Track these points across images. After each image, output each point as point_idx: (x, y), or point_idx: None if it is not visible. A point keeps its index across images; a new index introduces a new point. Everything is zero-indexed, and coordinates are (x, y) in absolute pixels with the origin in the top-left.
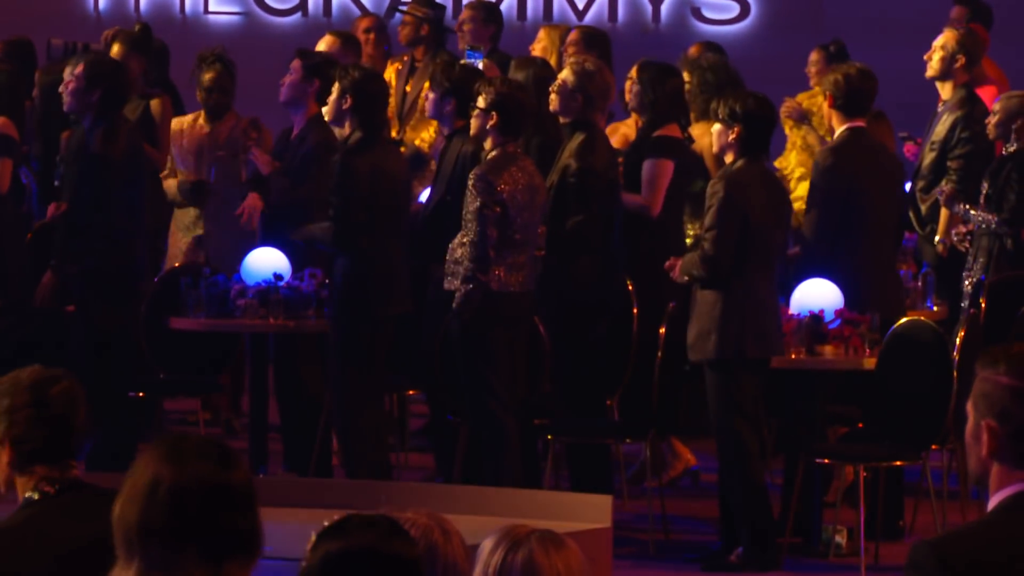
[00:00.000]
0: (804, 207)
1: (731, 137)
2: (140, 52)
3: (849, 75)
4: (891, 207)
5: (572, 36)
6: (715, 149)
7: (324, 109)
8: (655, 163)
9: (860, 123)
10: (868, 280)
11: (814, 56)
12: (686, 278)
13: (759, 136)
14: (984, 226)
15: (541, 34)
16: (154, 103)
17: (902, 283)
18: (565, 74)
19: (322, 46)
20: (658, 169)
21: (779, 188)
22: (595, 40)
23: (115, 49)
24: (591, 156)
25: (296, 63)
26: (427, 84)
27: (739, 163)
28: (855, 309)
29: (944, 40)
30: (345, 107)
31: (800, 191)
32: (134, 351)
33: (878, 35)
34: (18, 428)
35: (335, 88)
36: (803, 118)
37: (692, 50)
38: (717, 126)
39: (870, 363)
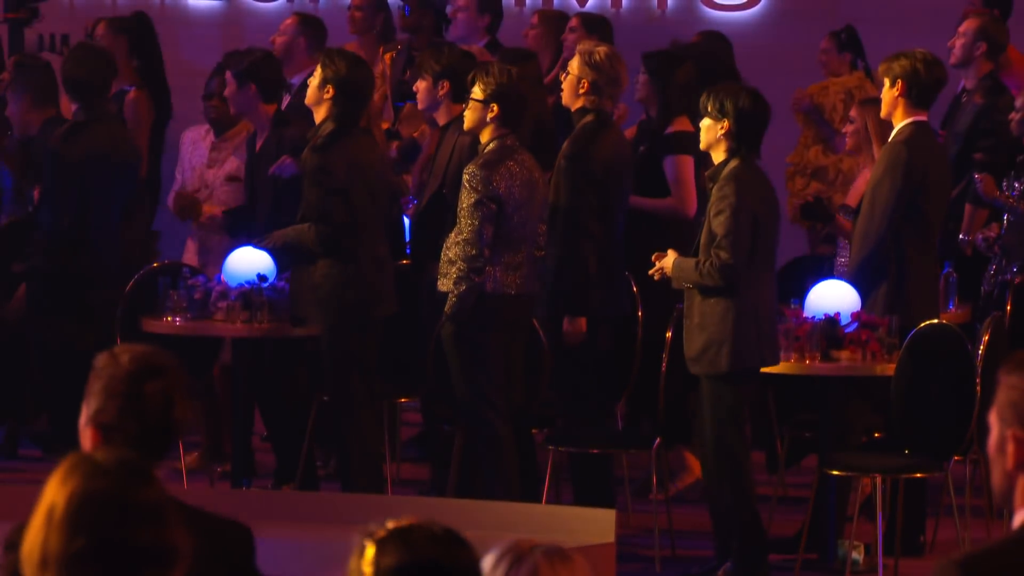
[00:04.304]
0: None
1: (720, 132)
2: (127, 39)
3: (926, 62)
4: (946, 206)
5: (572, 23)
6: (703, 145)
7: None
8: (676, 161)
9: (924, 116)
10: (928, 284)
11: (825, 44)
12: (688, 286)
13: (752, 135)
14: (1015, 218)
15: (535, 20)
16: (129, 98)
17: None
18: (573, 62)
19: (282, 27)
20: (682, 166)
21: (771, 186)
22: (595, 26)
23: (101, 35)
24: (590, 143)
25: (227, 73)
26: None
27: (735, 162)
28: (909, 314)
29: (966, 26)
30: (327, 97)
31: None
32: (84, 357)
33: (895, 21)
34: (108, 416)
35: (317, 74)
36: (813, 111)
37: (693, 39)
38: (706, 121)
39: (889, 369)
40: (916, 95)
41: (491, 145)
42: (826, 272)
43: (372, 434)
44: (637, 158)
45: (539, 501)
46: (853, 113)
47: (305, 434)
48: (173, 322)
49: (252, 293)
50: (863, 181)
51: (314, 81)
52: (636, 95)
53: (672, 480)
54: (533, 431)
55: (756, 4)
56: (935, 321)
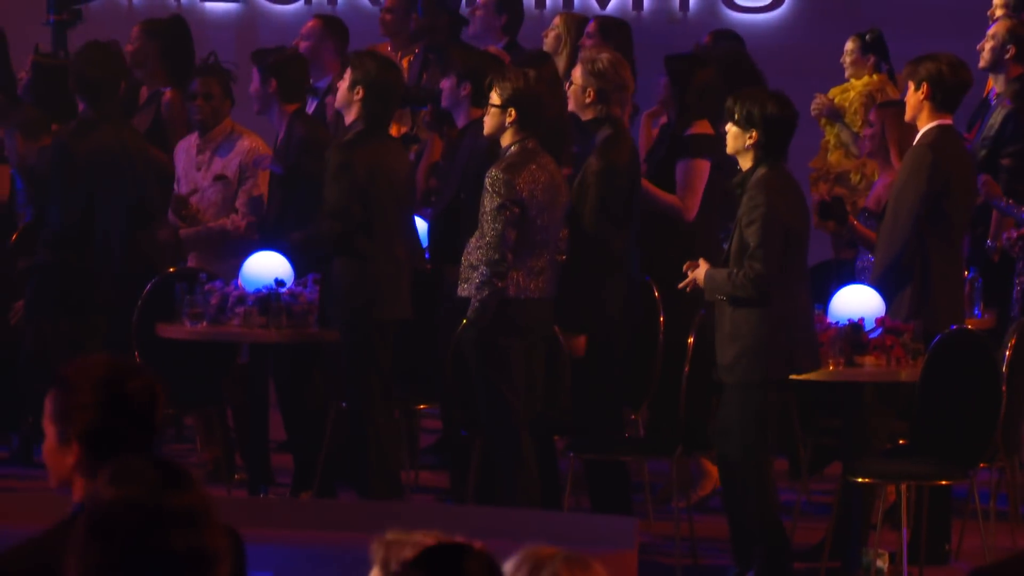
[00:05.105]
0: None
1: (748, 142)
2: (160, 42)
3: (952, 65)
4: (972, 210)
5: (590, 27)
6: (729, 150)
7: (338, 96)
8: (690, 164)
9: (949, 120)
10: (953, 289)
11: (849, 46)
12: (721, 297)
13: (780, 141)
14: None
15: (556, 21)
16: (165, 99)
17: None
18: (577, 71)
19: (305, 30)
20: (694, 170)
21: (802, 192)
22: (613, 30)
23: (135, 37)
24: (613, 154)
25: (254, 69)
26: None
27: (763, 169)
28: (934, 319)
29: (995, 29)
30: (356, 98)
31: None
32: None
33: (919, 23)
34: (89, 424)
35: (347, 76)
36: (834, 115)
37: (706, 40)
38: (733, 128)
39: (913, 375)
40: (941, 98)
41: (512, 149)
42: (848, 276)
43: (388, 438)
44: (656, 161)
45: (560, 508)
46: (872, 117)
47: (323, 441)
48: (190, 327)
49: (270, 298)
50: (883, 185)
51: (344, 83)
52: (659, 99)
53: (693, 488)
54: (555, 438)
55: (779, 6)
56: (960, 327)
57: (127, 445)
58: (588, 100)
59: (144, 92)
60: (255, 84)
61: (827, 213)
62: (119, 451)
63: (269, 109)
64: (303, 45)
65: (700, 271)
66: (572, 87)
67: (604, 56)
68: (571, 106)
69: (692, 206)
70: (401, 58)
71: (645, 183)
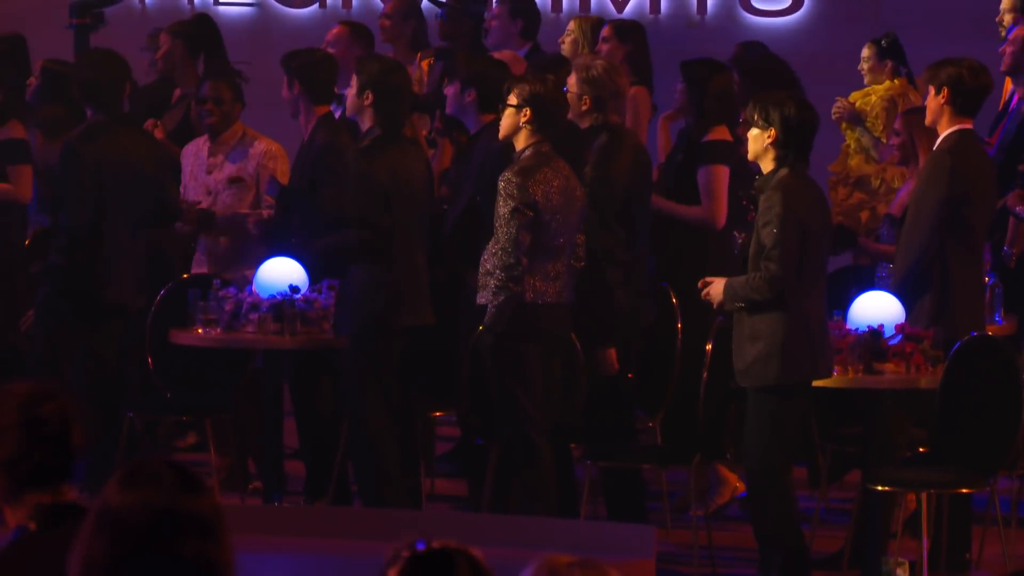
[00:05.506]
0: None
1: (767, 141)
2: (188, 43)
3: (972, 69)
4: (992, 215)
5: (605, 31)
6: (751, 156)
7: (348, 103)
8: (710, 170)
9: (969, 124)
10: (973, 295)
11: (866, 52)
12: (739, 305)
13: (799, 143)
14: None
15: (571, 26)
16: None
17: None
18: (571, 79)
19: (331, 37)
20: (715, 177)
21: (823, 196)
22: (628, 33)
23: (161, 40)
24: (608, 162)
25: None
26: None
27: (783, 171)
28: (954, 326)
29: (1017, 32)
30: (367, 103)
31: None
32: (96, 364)
33: (939, 27)
34: (8, 450)
35: (353, 82)
36: (855, 119)
37: (735, 51)
38: (753, 130)
39: (933, 382)
40: (961, 103)
41: (527, 152)
42: (867, 283)
43: (394, 449)
44: (674, 167)
45: (577, 516)
46: (898, 125)
47: (337, 448)
48: (204, 334)
49: (284, 305)
50: (908, 191)
51: (351, 91)
52: (675, 104)
53: (710, 496)
54: (571, 445)
55: (797, 10)
56: (980, 333)
57: (43, 471)
58: (584, 108)
59: (178, 93)
60: (285, 87)
61: (836, 242)
62: (35, 477)
63: (296, 111)
64: (330, 52)
65: (717, 288)
66: (568, 95)
67: (598, 63)
68: (569, 115)
69: (719, 213)
70: (421, 60)
71: (664, 201)
